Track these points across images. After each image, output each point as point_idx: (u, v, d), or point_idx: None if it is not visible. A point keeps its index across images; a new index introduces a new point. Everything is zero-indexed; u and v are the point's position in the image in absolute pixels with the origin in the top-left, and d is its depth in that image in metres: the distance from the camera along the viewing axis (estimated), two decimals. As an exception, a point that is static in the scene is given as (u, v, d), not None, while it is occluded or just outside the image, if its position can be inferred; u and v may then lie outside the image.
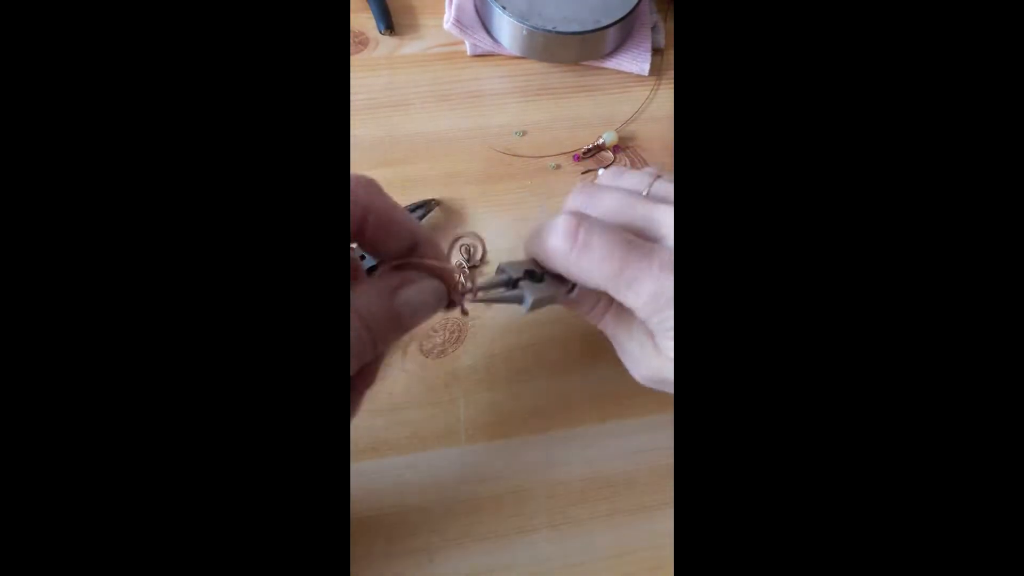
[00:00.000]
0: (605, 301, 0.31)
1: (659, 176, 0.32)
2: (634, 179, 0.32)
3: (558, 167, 0.46)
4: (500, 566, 0.35)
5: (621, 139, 0.48)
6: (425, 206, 0.43)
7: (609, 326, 0.32)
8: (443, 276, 0.27)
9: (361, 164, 0.45)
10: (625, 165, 0.47)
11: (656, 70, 0.51)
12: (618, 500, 0.37)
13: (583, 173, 0.46)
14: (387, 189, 0.44)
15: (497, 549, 0.35)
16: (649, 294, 0.26)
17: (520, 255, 0.43)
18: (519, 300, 0.28)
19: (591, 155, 0.47)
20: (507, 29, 0.48)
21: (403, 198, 0.43)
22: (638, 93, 0.50)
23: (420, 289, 0.26)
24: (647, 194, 0.30)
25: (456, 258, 0.40)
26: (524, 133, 0.47)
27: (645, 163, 0.47)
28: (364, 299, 0.24)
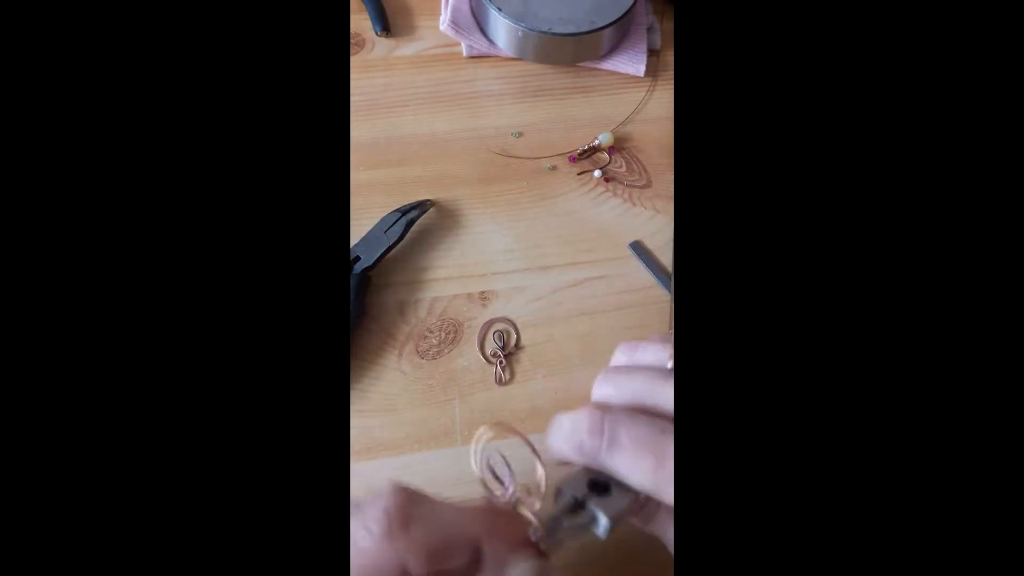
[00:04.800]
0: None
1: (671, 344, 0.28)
2: (651, 353, 0.29)
3: (554, 168, 0.46)
4: (497, 567, 0.35)
5: (617, 140, 0.48)
6: (420, 207, 0.43)
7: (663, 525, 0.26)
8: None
9: (357, 165, 0.45)
10: (621, 166, 0.47)
11: (652, 71, 0.51)
12: (614, 500, 0.37)
13: (579, 174, 0.46)
14: (383, 190, 0.44)
15: (494, 550, 0.35)
16: None
17: (517, 257, 0.43)
18: (592, 524, 0.24)
19: (587, 156, 0.47)
20: (503, 30, 0.48)
21: (399, 199, 0.43)
22: (634, 94, 0.50)
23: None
24: (671, 367, 0.27)
25: (490, 346, 0.40)
26: (520, 134, 0.48)
27: (642, 164, 0.47)
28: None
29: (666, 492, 0.23)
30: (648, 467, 0.23)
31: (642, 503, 0.25)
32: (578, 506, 0.24)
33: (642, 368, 0.28)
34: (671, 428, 0.24)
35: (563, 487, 0.25)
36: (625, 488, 0.24)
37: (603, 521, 0.23)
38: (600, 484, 0.24)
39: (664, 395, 0.26)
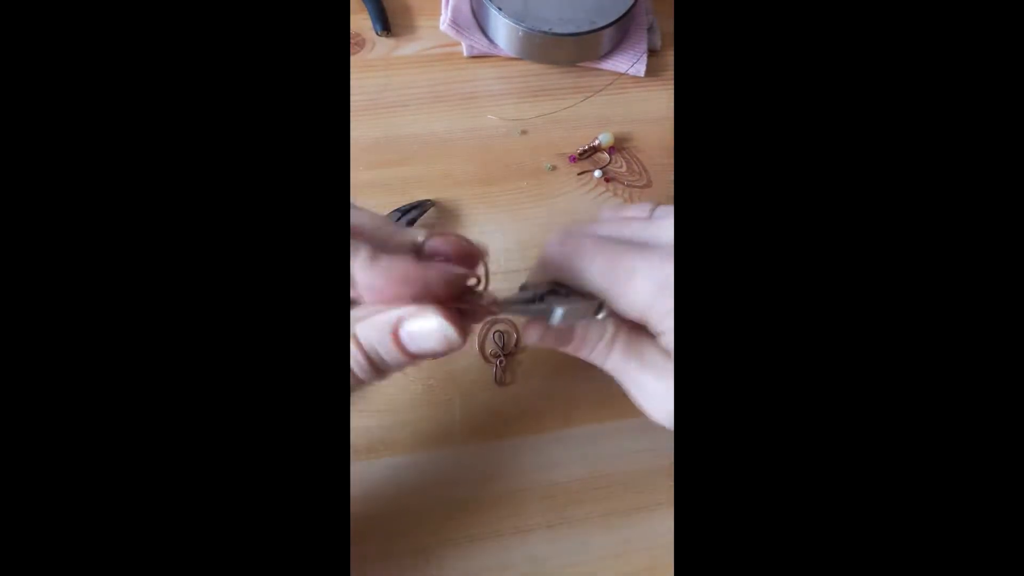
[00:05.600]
0: (614, 331, 0.29)
1: (659, 205, 0.31)
2: (635, 210, 0.32)
3: (554, 168, 0.46)
4: (496, 566, 0.35)
5: (617, 140, 0.48)
6: (420, 207, 0.43)
7: (619, 361, 0.29)
8: (467, 256, 0.25)
9: (358, 165, 0.45)
10: (621, 166, 0.47)
11: (652, 71, 0.51)
12: (614, 500, 0.37)
13: (579, 174, 0.46)
14: (383, 190, 0.44)
15: (493, 549, 0.35)
16: (653, 285, 0.25)
17: (517, 257, 0.43)
18: (547, 314, 0.26)
19: (587, 156, 0.47)
20: (503, 30, 0.48)
21: (399, 199, 0.43)
22: (634, 94, 0.50)
23: (425, 325, 0.23)
24: (650, 216, 0.30)
25: (490, 346, 0.40)
26: (525, 132, 0.48)
27: (642, 164, 0.47)
28: (365, 331, 0.23)
29: (622, 288, 0.26)
30: (605, 265, 0.26)
31: (596, 309, 0.27)
32: (537, 299, 0.27)
33: (623, 216, 0.31)
34: (634, 242, 0.27)
35: (527, 284, 0.28)
36: (584, 300, 0.27)
37: (558, 311, 0.25)
38: (559, 291, 0.27)
39: (637, 229, 0.29)
